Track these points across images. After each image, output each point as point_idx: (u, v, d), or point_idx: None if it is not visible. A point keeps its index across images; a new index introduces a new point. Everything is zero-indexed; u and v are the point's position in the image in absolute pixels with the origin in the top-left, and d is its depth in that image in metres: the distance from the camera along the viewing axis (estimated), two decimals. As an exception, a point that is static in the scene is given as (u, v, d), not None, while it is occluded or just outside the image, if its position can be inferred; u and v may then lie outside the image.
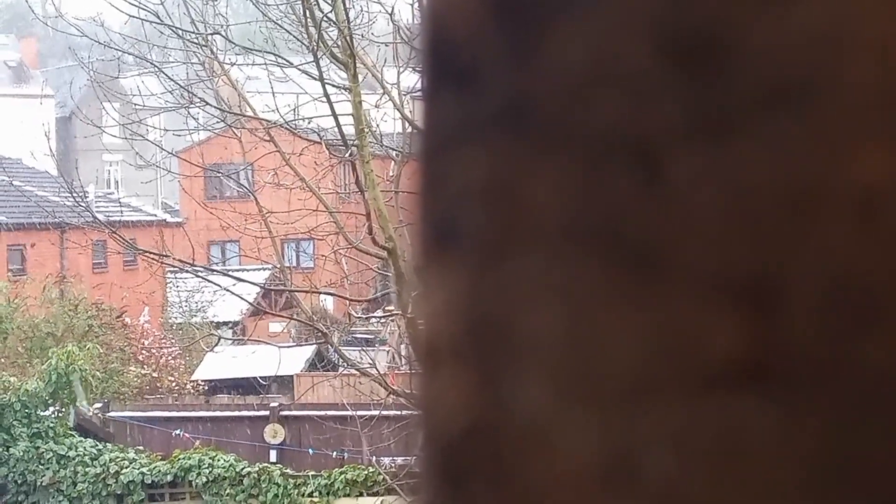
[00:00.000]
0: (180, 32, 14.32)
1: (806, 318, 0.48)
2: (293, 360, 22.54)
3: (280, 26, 13.99)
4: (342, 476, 18.85)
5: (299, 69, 13.75)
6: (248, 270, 19.96)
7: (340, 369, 18.88)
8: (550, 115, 0.49)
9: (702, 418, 0.48)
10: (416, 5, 12.94)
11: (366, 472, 18.41)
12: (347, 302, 17.60)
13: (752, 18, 0.48)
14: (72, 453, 19.68)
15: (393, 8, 13.63)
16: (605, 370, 0.49)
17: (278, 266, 15.39)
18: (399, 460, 17.20)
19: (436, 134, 0.51)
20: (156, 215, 38.24)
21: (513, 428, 0.50)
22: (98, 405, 21.59)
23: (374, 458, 16.73)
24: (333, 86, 12.90)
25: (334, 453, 19.24)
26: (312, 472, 19.22)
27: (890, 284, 0.47)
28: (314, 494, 19.01)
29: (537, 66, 0.49)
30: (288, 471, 19.39)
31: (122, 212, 31.54)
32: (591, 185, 0.49)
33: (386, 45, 14.21)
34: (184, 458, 19.50)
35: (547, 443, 0.49)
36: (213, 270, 17.52)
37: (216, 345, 20.76)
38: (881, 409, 0.47)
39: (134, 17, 14.67)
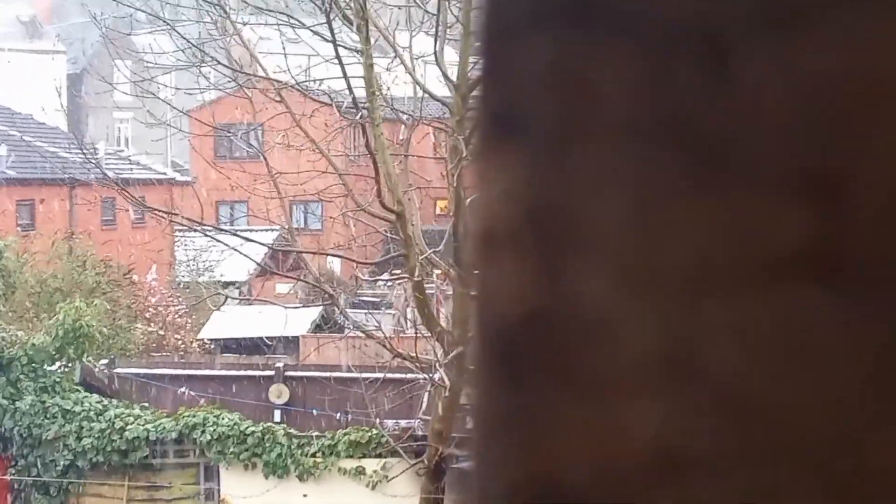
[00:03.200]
0: (194, -10, 14.26)
1: (873, 213, 0.47)
2: (299, 321, 22.55)
3: (294, -14, 13.93)
4: (346, 437, 18.88)
5: (312, 30, 13.71)
6: (256, 231, 19.95)
7: (346, 331, 18.89)
8: (619, 4, 0.50)
9: (766, 310, 0.48)
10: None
11: (369, 434, 18.45)
12: (355, 264, 17.58)
13: None
14: (77, 408, 19.72)
15: (407, -30, 13.57)
16: (669, 261, 0.49)
17: (286, 227, 15.38)
18: (402, 423, 17.22)
19: (501, 17, 0.51)
20: (165, 174, 38.19)
21: (573, 317, 0.50)
22: (104, 361, 21.63)
23: (377, 420, 16.75)
24: (345, 48, 12.86)
25: (338, 415, 19.27)
26: (316, 433, 19.25)
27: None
28: (317, 455, 19.05)
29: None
30: (292, 431, 19.42)
31: (131, 169, 31.52)
32: (659, 78, 0.49)
33: (399, 9, 14.15)
34: (188, 416, 19.53)
35: (608, 333, 0.49)
36: (222, 230, 17.51)
37: (223, 304, 20.74)
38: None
39: (148, -27, 14.61)
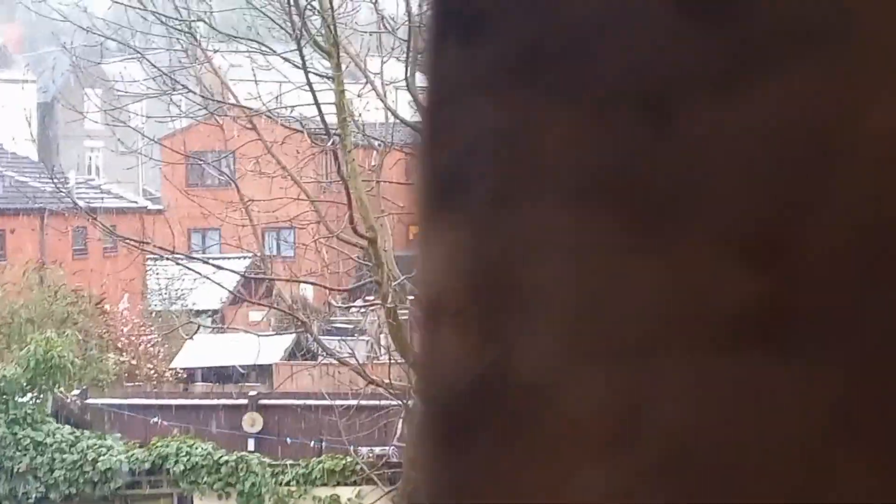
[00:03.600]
0: (163, 19, 14.26)
1: (823, 266, 0.47)
2: (272, 348, 22.49)
3: (264, 14, 13.95)
4: (320, 465, 18.83)
5: (282, 57, 13.72)
6: (228, 258, 19.93)
7: (320, 358, 18.86)
8: (561, 64, 0.48)
9: (713, 369, 0.47)
10: (400, -6, 12.91)
11: (344, 462, 18.40)
12: (327, 291, 17.57)
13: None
14: (49, 440, 19.62)
15: (377, -3, 13.60)
16: (614, 321, 0.48)
17: (259, 254, 15.36)
18: (377, 450, 17.19)
19: (442, 84, 0.50)
20: (137, 202, 38.12)
21: (519, 382, 0.49)
22: (76, 392, 21.53)
23: (352, 447, 16.72)
24: (317, 74, 12.88)
25: (312, 442, 19.22)
26: (290, 461, 19.19)
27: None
28: (292, 483, 18.99)
29: (548, 14, 0.48)
30: (266, 459, 19.36)
31: (102, 198, 31.47)
32: (602, 135, 0.48)
33: (370, 35, 14.18)
34: (161, 446, 19.45)
35: (555, 396, 0.48)
36: (194, 258, 17.48)
37: (195, 332, 20.70)
38: (899, 360, 0.46)
39: (117, 2, 14.61)
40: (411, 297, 13.07)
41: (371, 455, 17.15)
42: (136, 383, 24.86)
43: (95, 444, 19.74)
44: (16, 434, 19.66)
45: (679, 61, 0.47)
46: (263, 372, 23.64)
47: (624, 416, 0.48)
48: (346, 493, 18.62)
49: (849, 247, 0.46)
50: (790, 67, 0.46)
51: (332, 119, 12.72)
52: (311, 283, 17.42)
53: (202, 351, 24.41)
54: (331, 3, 12.33)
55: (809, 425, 0.47)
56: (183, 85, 14.88)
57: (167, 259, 16.99)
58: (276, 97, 15.49)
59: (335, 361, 15.27)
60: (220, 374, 24.58)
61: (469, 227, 0.49)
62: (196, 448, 19.42)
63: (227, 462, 19.25)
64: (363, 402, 15.53)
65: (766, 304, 0.47)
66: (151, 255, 19.57)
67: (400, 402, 13.59)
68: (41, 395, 20.24)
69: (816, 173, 0.46)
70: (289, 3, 12.53)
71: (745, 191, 0.47)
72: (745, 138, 0.47)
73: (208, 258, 18.78)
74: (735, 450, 0.47)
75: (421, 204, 0.50)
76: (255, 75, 14.05)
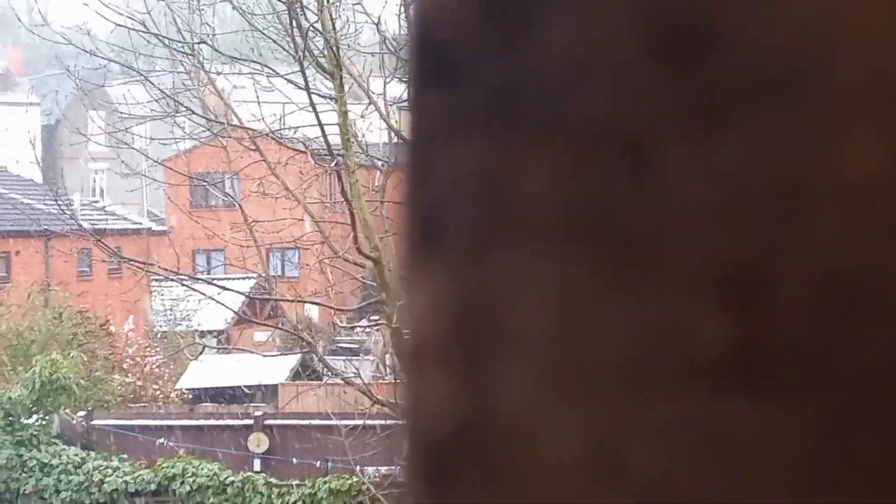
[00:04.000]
0: (167, 41, 14.30)
1: (794, 311, 0.47)
2: (278, 369, 22.52)
3: (266, 36, 13.98)
4: (326, 485, 18.81)
5: (285, 79, 13.75)
6: (233, 279, 19.94)
7: (325, 378, 18.86)
8: (537, 108, 0.49)
9: (688, 412, 0.48)
10: (402, 15, 12.95)
11: (350, 482, 18.37)
12: (332, 311, 17.58)
13: (739, 10, 0.47)
14: (55, 461, 19.61)
15: (379, 18, 13.64)
16: (591, 364, 0.49)
17: (263, 275, 15.37)
18: (383, 470, 17.17)
19: (423, 129, 0.51)
20: (141, 224, 38.17)
21: (500, 425, 0.50)
22: (82, 413, 21.53)
23: (358, 467, 16.70)
24: (319, 95, 12.90)
25: (318, 462, 19.21)
26: (296, 482, 19.17)
27: (880, 277, 0.47)
28: (298, 503, 18.97)
29: (523, 60, 0.49)
30: (272, 480, 19.34)
31: (107, 220, 31.51)
32: (579, 178, 0.49)
33: (372, 56, 14.21)
34: (167, 467, 19.44)
35: (534, 438, 0.49)
36: (198, 279, 17.49)
37: (201, 353, 20.70)
38: (870, 403, 0.46)
39: (120, 25, 14.66)
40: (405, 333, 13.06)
41: (377, 475, 17.13)
42: (142, 404, 24.87)
43: (101, 466, 19.73)
44: (21, 455, 19.66)
45: (652, 107, 0.48)
46: (269, 392, 23.65)
47: (602, 458, 0.49)
48: (352, 513, 18.59)
49: (819, 291, 0.47)
50: (759, 114, 0.47)
51: (335, 139, 12.74)
52: (316, 304, 17.43)
53: (207, 372, 24.42)
54: (333, 24, 12.36)
55: (783, 469, 0.47)
56: (186, 107, 14.91)
57: (172, 280, 16.99)
58: (280, 118, 15.52)
59: (341, 381, 15.27)
60: (225, 395, 24.59)
61: (449, 273, 0.50)
62: (202, 469, 19.41)
63: (232, 483, 19.23)
64: (369, 422, 15.52)
65: (739, 346, 0.47)
66: (156, 277, 19.58)
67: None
68: (47, 417, 20.25)
69: (787, 218, 0.47)
70: (291, 24, 12.56)
71: (718, 235, 0.48)
72: (718, 183, 0.48)
73: (213, 279, 18.80)
74: (710, 493, 0.48)
75: (404, 249, 0.51)
76: (258, 96, 14.09)
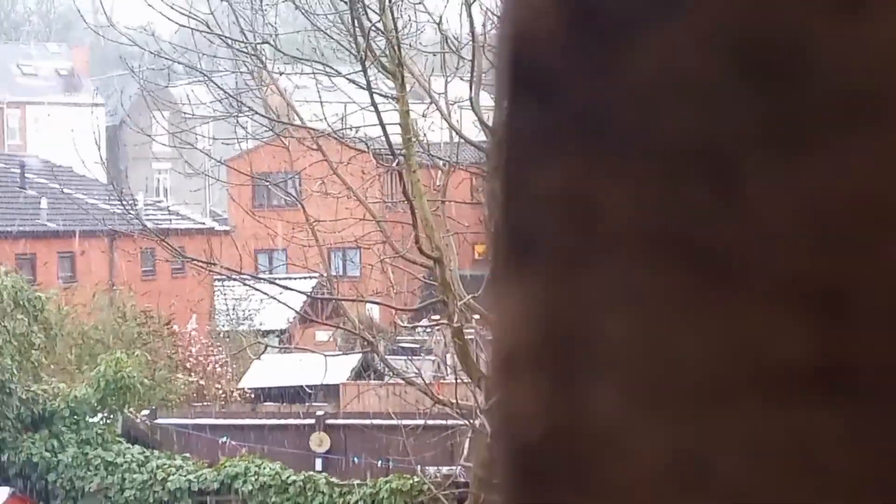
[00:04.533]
0: (230, 42, 14.39)
1: (877, 327, 0.48)
2: (339, 368, 22.59)
3: (328, 35, 14.04)
4: (387, 485, 18.86)
5: (347, 78, 13.79)
6: (294, 279, 20.04)
7: (386, 378, 18.91)
8: (626, 126, 0.50)
9: (772, 424, 0.49)
10: (463, 15, 12.97)
11: (411, 482, 18.42)
12: (393, 311, 17.63)
13: (826, 32, 0.48)
14: (119, 459, 19.80)
15: (441, 17, 13.66)
16: (678, 376, 0.50)
17: (325, 275, 15.43)
18: (444, 470, 17.20)
19: (515, 145, 0.52)
20: (204, 223, 38.44)
21: (589, 433, 0.51)
22: (145, 412, 21.72)
23: (419, 467, 16.73)
24: (381, 95, 12.94)
25: (380, 462, 19.27)
26: (358, 481, 19.24)
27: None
28: (359, 503, 19.04)
29: (614, 77, 0.50)
30: (333, 479, 19.42)
31: (170, 220, 31.77)
32: (667, 195, 0.50)
33: (433, 55, 14.24)
34: (230, 466, 19.57)
35: (622, 446, 0.51)
36: (260, 278, 17.59)
37: (263, 353, 20.84)
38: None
39: (184, 26, 14.77)
40: (477, 317, 13.10)
41: (438, 475, 17.15)
42: (205, 403, 25.05)
43: (165, 464, 19.90)
44: (86, 454, 19.87)
45: (741, 127, 0.49)
46: (330, 392, 23.74)
47: (689, 468, 0.50)
48: (413, 512, 18.63)
49: None
50: (846, 136, 0.48)
51: (396, 139, 12.77)
52: (377, 303, 17.49)
53: (269, 371, 24.56)
54: (395, 23, 12.39)
55: (867, 479, 0.48)
56: (249, 107, 15.00)
57: (234, 280, 17.10)
58: (341, 118, 15.57)
59: (402, 381, 15.31)
60: (287, 394, 24.71)
61: (541, 284, 0.52)
62: (264, 468, 19.52)
63: (294, 482, 19.34)
64: (430, 422, 15.55)
65: (824, 359, 0.49)
66: (219, 276, 19.71)
67: (467, 422, 13.60)
68: (111, 416, 20.45)
69: (872, 237, 0.48)
70: (353, 24, 12.61)
71: (803, 253, 0.49)
72: (804, 203, 0.49)
73: (275, 278, 18.90)
74: (796, 501, 0.49)
75: (495, 260, 0.53)
76: (320, 96, 14.13)
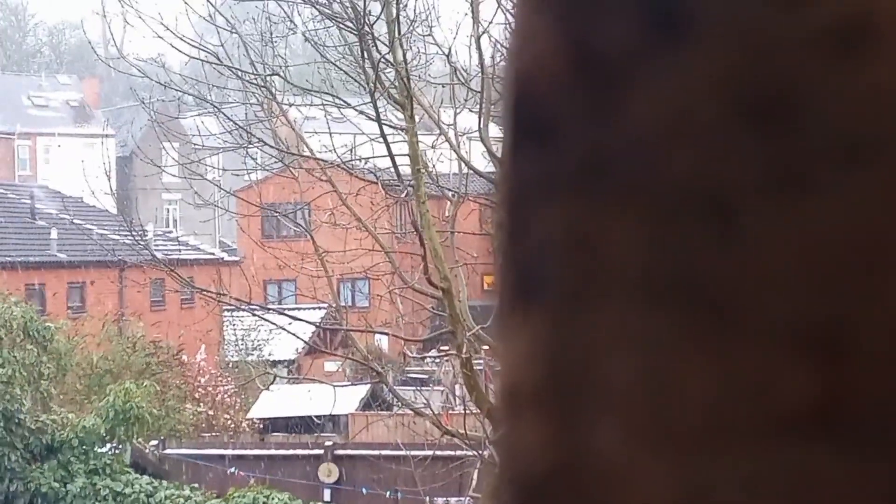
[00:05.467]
0: (240, 73, 14.44)
1: (877, 368, 0.49)
2: (348, 399, 22.56)
3: (338, 67, 14.09)
4: (396, 516, 18.82)
5: (356, 109, 13.83)
6: (303, 309, 20.04)
7: (395, 409, 18.88)
8: (627, 169, 0.51)
9: (773, 463, 0.50)
10: (472, 47, 13.01)
11: (420, 513, 18.36)
12: (402, 342, 17.61)
13: (824, 76, 0.49)
14: (128, 490, 19.77)
15: (450, 49, 13.70)
16: (680, 415, 0.51)
17: (334, 305, 15.43)
18: (453, 501, 17.15)
19: (517, 188, 0.53)
20: (213, 254, 38.49)
21: (592, 470, 0.52)
22: (154, 442, 21.70)
23: (427, 498, 16.69)
24: (390, 126, 12.97)
25: (388, 493, 19.23)
26: (366, 512, 19.20)
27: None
28: (368, 534, 18.98)
29: (616, 122, 0.51)
30: (342, 510, 19.38)
31: (180, 250, 31.79)
32: (667, 238, 0.51)
33: (443, 87, 14.27)
34: (238, 497, 19.53)
35: (625, 484, 0.51)
36: (270, 309, 17.59)
37: (272, 383, 20.81)
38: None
39: (194, 58, 14.83)
40: (486, 348, 13.09)
41: (447, 506, 17.11)
42: (214, 433, 25.03)
43: (173, 495, 19.86)
44: (95, 484, 19.84)
45: (740, 169, 0.50)
46: (339, 422, 23.70)
47: (691, 503, 0.50)
48: (421, 543, 18.57)
49: None
50: (844, 178, 0.49)
51: (405, 170, 12.79)
52: (386, 334, 17.48)
53: (278, 401, 24.53)
54: (404, 55, 12.43)
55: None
56: (259, 138, 15.03)
57: (243, 310, 17.10)
58: (351, 149, 15.60)
59: (410, 412, 15.28)
60: (295, 425, 24.67)
61: (546, 323, 0.52)
62: (273, 499, 19.48)
63: (303, 512, 19.28)
64: (438, 453, 15.52)
65: (825, 399, 0.49)
66: (228, 307, 19.72)
67: (476, 453, 13.57)
68: (120, 446, 20.44)
69: (871, 278, 0.49)
70: (363, 56, 12.65)
71: (803, 293, 0.50)
72: (803, 244, 0.50)
73: (284, 309, 18.90)
74: None
75: (501, 298, 0.53)
76: (329, 128, 14.17)
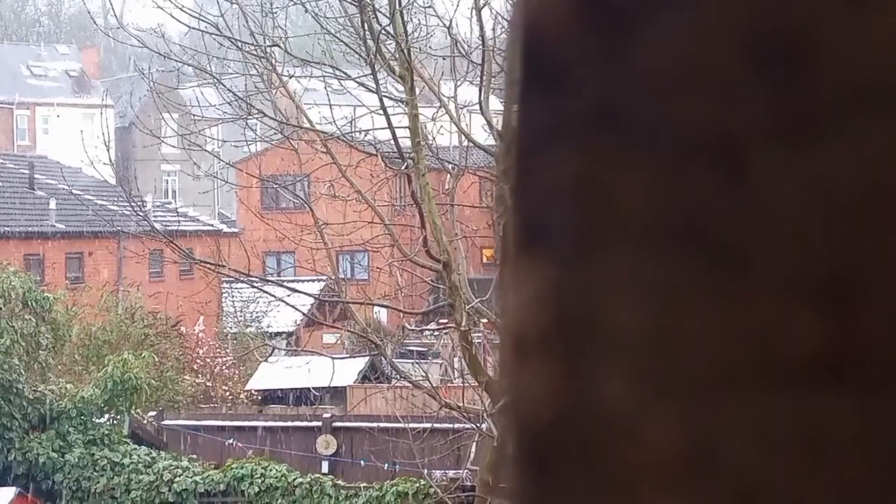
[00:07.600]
0: (240, 44, 14.40)
1: (884, 317, 0.49)
2: (346, 371, 22.58)
3: (338, 39, 14.05)
4: (393, 488, 18.86)
5: (357, 82, 13.80)
6: (302, 281, 20.05)
7: (393, 381, 18.90)
8: (638, 116, 0.51)
9: (780, 411, 0.50)
10: (473, 19, 12.97)
11: (417, 485, 18.41)
12: (401, 314, 17.63)
13: (837, 22, 0.49)
14: (126, 460, 19.81)
15: (451, 21, 13.67)
16: (687, 363, 0.51)
17: (333, 277, 15.43)
18: (451, 473, 17.19)
19: (527, 133, 0.53)
20: (212, 225, 38.48)
21: (598, 417, 0.52)
22: (152, 413, 21.74)
23: (425, 470, 16.73)
24: (390, 98, 12.95)
25: (386, 465, 19.26)
26: (364, 484, 19.24)
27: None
28: (365, 506, 19.03)
29: (627, 67, 0.51)
30: (339, 482, 19.42)
31: (179, 221, 31.79)
32: (677, 184, 0.51)
33: (443, 59, 14.25)
34: (236, 468, 19.57)
35: (631, 432, 0.51)
36: (269, 281, 17.59)
37: (270, 355, 20.84)
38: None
39: (194, 28, 14.79)
40: (485, 321, 13.11)
41: (444, 478, 17.15)
42: (212, 405, 25.07)
43: (171, 465, 19.90)
44: (93, 454, 19.87)
45: (751, 115, 0.50)
46: (337, 394, 23.73)
47: (698, 450, 0.50)
48: (419, 515, 18.62)
49: None
50: (855, 125, 0.49)
51: (405, 142, 12.78)
52: (385, 307, 17.49)
53: (277, 373, 24.55)
54: (405, 27, 12.40)
55: (876, 466, 0.49)
56: (258, 109, 15.01)
57: (242, 282, 17.10)
58: (351, 121, 15.58)
59: (409, 384, 15.31)
60: (294, 397, 24.70)
61: (553, 269, 0.52)
62: (271, 470, 19.52)
63: (301, 484, 19.33)
64: (437, 426, 15.55)
65: (833, 346, 0.49)
66: (227, 278, 19.72)
67: (474, 426, 13.60)
68: (118, 416, 20.46)
69: (880, 225, 0.49)
70: (363, 27, 12.62)
71: (812, 240, 0.49)
72: (813, 190, 0.49)
73: (283, 281, 18.91)
74: (803, 489, 0.49)
75: (508, 245, 0.53)
76: (329, 99, 14.14)
